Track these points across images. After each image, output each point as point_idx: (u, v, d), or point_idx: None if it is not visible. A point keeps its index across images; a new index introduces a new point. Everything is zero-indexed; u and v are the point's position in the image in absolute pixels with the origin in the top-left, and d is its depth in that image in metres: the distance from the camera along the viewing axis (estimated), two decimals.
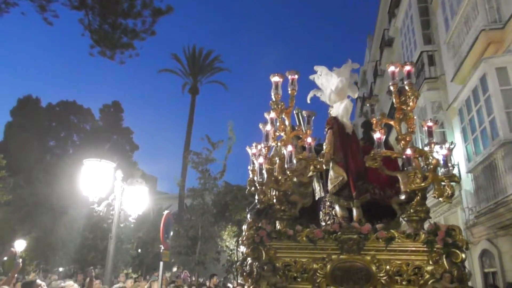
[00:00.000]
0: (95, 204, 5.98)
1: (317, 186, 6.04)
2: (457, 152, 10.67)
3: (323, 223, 5.46)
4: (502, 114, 7.66)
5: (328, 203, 5.69)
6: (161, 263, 7.11)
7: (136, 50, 12.58)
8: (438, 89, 11.80)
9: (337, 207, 5.42)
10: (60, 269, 11.69)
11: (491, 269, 9.48)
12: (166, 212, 7.61)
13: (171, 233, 7.92)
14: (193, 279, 14.09)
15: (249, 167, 5.42)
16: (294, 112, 6.10)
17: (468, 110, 9.14)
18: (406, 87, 5.12)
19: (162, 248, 7.06)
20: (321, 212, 5.77)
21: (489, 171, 8.15)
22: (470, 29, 8.94)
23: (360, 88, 25.68)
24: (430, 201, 11.02)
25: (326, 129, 5.73)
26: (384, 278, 4.57)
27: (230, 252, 19.47)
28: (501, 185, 7.62)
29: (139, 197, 6.73)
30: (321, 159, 5.26)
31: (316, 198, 5.95)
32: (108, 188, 6.28)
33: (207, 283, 11.24)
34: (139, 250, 18.50)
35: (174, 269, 18.23)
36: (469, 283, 9.99)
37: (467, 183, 9.91)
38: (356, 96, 6.44)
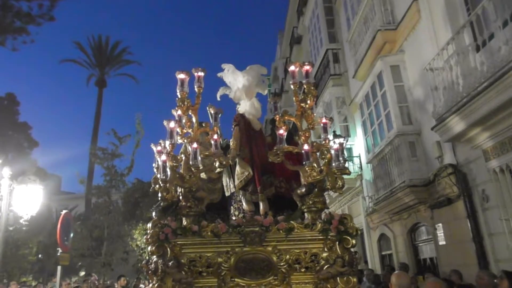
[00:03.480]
0: None
1: (228, 182, 6.16)
2: (359, 144, 11.55)
3: (234, 218, 5.57)
4: (396, 108, 8.41)
5: (239, 198, 5.83)
6: (59, 268, 6.67)
7: (31, 36, 11.50)
8: (342, 85, 12.64)
9: (244, 202, 5.58)
10: None
11: (388, 252, 10.43)
12: (64, 211, 7.15)
13: (71, 235, 7.46)
14: (101, 282, 13.45)
15: (153, 165, 5.36)
16: (207, 108, 6.14)
17: (367, 104, 9.88)
18: (304, 86, 5.45)
19: (60, 251, 6.63)
20: (232, 207, 5.89)
21: (385, 161, 8.94)
22: (368, 29, 9.65)
23: (272, 84, 26.40)
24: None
25: (233, 126, 5.86)
26: (284, 267, 4.82)
27: (141, 251, 18.91)
28: (395, 174, 8.41)
29: (31, 197, 6.14)
30: (228, 155, 5.40)
31: (227, 194, 6.06)
32: None
33: (115, 285, 10.83)
34: (40, 256, 17.11)
35: (82, 273, 17.21)
36: (369, 266, 10.90)
37: (367, 173, 10.77)
38: (265, 93, 6.66)
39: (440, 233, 7.30)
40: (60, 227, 6.78)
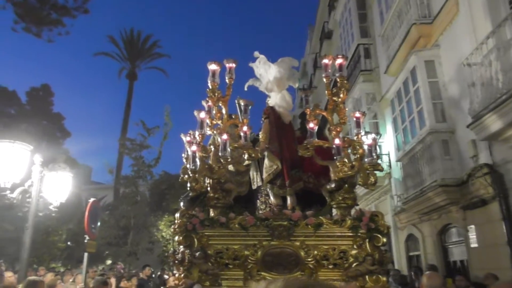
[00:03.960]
0: (7, 190, 5.48)
1: (255, 175, 6.13)
2: (388, 142, 11.30)
3: (260, 211, 5.54)
4: (429, 104, 8.10)
5: (266, 192, 5.79)
6: (86, 254, 6.76)
7: (66, 28, 11.74)
8: (372, 81, 12.34)
9: (271, 195, 5.54)
10: None
11: (415, 253, 10.16)
12: (92, 199, 7.25)
13: (99, 223, 7.56)
14: (127, 270, 13.69)
15: (183, 155, 5.38)
16: (236, 101, 6.11)
17: (399, 101, 9.59)
18: (338, 79, 5.34)
19: (87, 238, 6.73)
20: (258, 201, 5.86)
21: (416, 159, 8.65)
22: (402, 22, 9.34)
23: (301, 79, 26.22)
24: (363, 190, 11.60)
25: (263, 119, 5.81)
26: (312, 262, 4.77)
27: (166, 243, 19.16)
28: (426, 173, 8.12)
29: (61, 184, 6.21)
30: (257, 148, 5.36)
31: (254, 187, 6.03)
32: (24, 174, 5.76)
33: (140, 274, 11.00)
34: (69, 243, 17.58)
35: (108, 262, 17.56)
36: (395, 266, 10.68)
37: (396, 172, 10.51)
38: (296, 86, 6.57)
39: (472, 235, 7.04)
40: (88, 214, 6.87)
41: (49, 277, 7.82)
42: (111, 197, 21.18)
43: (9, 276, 6.76)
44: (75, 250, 15.79)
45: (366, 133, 5.27)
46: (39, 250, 15.35)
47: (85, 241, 6.78)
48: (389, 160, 11.24)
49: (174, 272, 13.17)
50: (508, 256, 5.94)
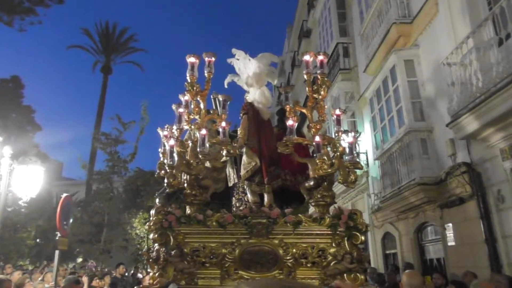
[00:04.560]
0: None
1: (231, 172, 6.02)
2: (366, 141, 11.36)
3: (235, 209, 5.44)
4: (408, 103, 8.14)
5: (241, 189, 5.69)
6: (57, 252, 6.48)
7: (39, 17, 11.29)
8: (351, 80, 12.41)
9: (248, 193, 5.43)
10: None
11: (392, 251, 10.25)
12: (64, 195, 6.97)
13: (71, 220, 7.29)
14: (99, 269, 13.32)
15: (159, 150, 5.21)
16: (212, 96, 5.98)
17: (378, 100, 9.62)
18: (318, 77, 5.27)
19: (59, 235, 6.46)
20: (233, 198, 5.76)
21: (395, 158, 8.70)
22: (382, 22, 9.38)
23: (278, 78, 26.20)
24: (339, 188, 11.64)
25: (241, 114, 5.69)
26: (291, 261, 4.69)
27: (141, 240, 18.79)
28: (404, 171, 8.17)
29: (32, 178, 5.94)
30: (235, 144, 5.23)
31: (230, 184, 5.92)
32: None
33: (113, 273, 10.71)
34: (38, 240, 17.00)
35: (80, 260, 17.07)
36: (372, 264, 10.75)
37: (374, 170, 10.56)
38: (275, 82, 6.49)
39: (450, 234, 7.11)
40: (60, 210, 6.59)
41: (16, 275, 7.48)
42: (83, 193, 20.63)
43: None
44: (44, 248, 15.27)
45: (345, 131, 5.23)
46: (6, 247, 14.81)
47: (57, 238, 6.50)
48: (367, 158, 11.31)
49: (149, 270, 12.95)
50: (485, 254, 6.02)
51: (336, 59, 12.94)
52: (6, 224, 13.42)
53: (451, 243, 7.12)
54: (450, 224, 7.11)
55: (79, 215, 14.83)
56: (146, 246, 18.37)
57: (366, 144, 11.40)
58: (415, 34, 8.44)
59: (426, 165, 7.61)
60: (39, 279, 8.39)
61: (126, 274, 12.25)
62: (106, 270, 13.41)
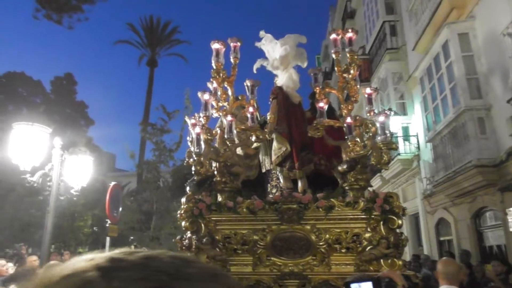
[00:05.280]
0: (28, 174, 5.47)
1: (264, 159, 5.95)
2: (417, 123, 10.82)
3: (271, 195, 5.37)
4: (463, 81, 7.59)
5: (276, 175, 5.61)
6: (108, 239, 6.78)
7: (85, 14, 11.76)
8: (399, 60, 11.83)
9: (281, 178, 5.34)
10: (7, 250, 11.15)
11: (447, 237, 9.74)
12: (113, 183, 7.22)
13: (120, 208, 7.56)
14: None
15: (188, 138, 5.23)
16: (244, 83, 5.91)
17: (429, 78, 9.07)
18: (348, 54, 5.04)
19: (109, 222, 6.72)
20: (269, 185, 5.69)
21: (449, 139, 8.19)
22: None
23: (322, 62, 25.59)
24: (389, 172, 11.18)
25: (271, 99, 5.59)
26: (324, 246, 4.57)
27: None
28: (460, 153, 7.68)
29: (82, 168, 6.16)
30: (265, 130, 5.15)
31: (264, 171, 5.86)
32: (44, 157, 5.72)
33: None
34: (95, 228, 17.93)
35: (133, 247, 17.80)
36: (425, 251, 10.29)
37: (426, 154, 10.04)
38: (305, 65, 6.29)
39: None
40: (109, 198, 6.85)
41: (66, 257, 7.93)
42: (135, 184, 21.40)
43: (33, 260, 6.86)
44: (100, 235, 16.10)
45: (379, 112, 4.97)
46: (66, 235, 15.70)
47: (107, 225, 6.79)
48: (418, 141, 10.76)
49: None
50: None
51: (383, 39, 12.37)
52: (64, 214, 14.26)
53: None
54: None
55: (128, 203, 15.40)
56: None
57: (417, 127, 10.85)
58: (470, 5, 7.77)
59: (484, 146, 7.08)
60: None
61: None
62: None
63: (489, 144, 7.16)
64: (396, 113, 10.51)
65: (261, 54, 5.93)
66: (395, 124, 9.77)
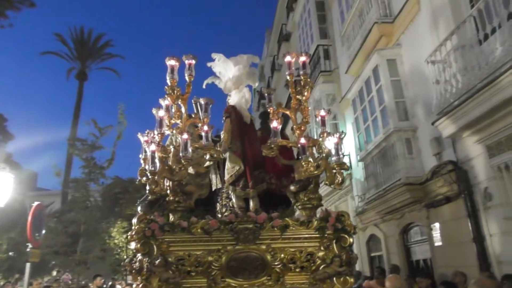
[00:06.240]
0: None
1: (214, 177, 5.88)
2: (349, 143, 11.35)
3: (220, 215, 5.28)
4: (392, 103, 8.13)
5: (225, 194, 5.55)
6: (28, 264, 6.14)
7: (9, 20, 10.84)
8: (332, 82, 12.44)
9: (233, 198, 5.28)
10: None
11: (377, 253, 10.20)
12: (35, 203, 6.61)
13: (43, 230, 6.91)
14: (75, 281, 12.79)
15: (140, 156, 5.01)
16: (192, 101, 5.83)
17: (361, 100, 9.59)
18: (301, 77, 5.19)
19: (30, 246, 6.11)
20: (218, 204, 5.60)
21: (379, 159, 8.67)
22: (363, 22, 9.41)
23: (258, 83, 26.07)
24: (323, 191, 11.49)
25: (224, 118, 5.56)
26: (279, 266, 4.55)
27: (119, 250, 18.22)
28: (389, 172, 8.14)
29: (0, 186, 5.58)
30: (218, 148, 5.10)
31: (213, 189, 5.76)
32: None
33: (90, 285, 10.31)
34: (10, 253, 16.27)
35: (55, 273, 16.44)
36: (357, 268, 10.71)
37: (357, 172, 10.52)
38: (256, 84, 6.39)
39: (436, 233, 7.09)
40: (31, 220, 6.23)
41: None
42: (59, 204, 19.91)
43: None
44: (16, 261, 14.61)
45: (328, 133, 5.16)
46: None
47: (28, 249, 6.15)
48: (350, 160, 11.29)
49: (129, 281, 12.56)
50: (473, 253, 5.99)
51: (317, 61, 12.95)
52: None
53: (438, 243, 7.09)
54: (437, 224, 7.09)
55: (53, 225, 14.24)
56: (125, 256, 17.89)
57: (349, 146, 11.39)
58: (397, 34, 8.47)
59: (411, 165, 7.61)
60: None
61: (104, 286, 11.86)
62: (83, 282, 12.91)
63: (415, 163, 7.68)
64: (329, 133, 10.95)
65: (208, 73, 5.91)
66: (329, 144, 10.16)
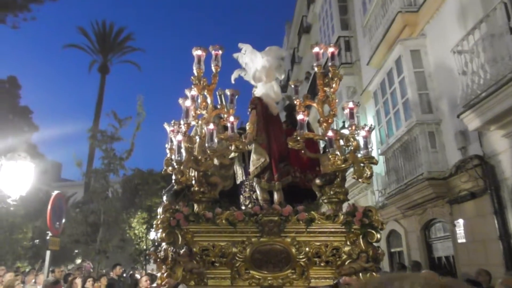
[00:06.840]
0: None
1: (238, 169, 5.87)
2: (370, 136, 11.13)
3: (243, 207, 5.27)
4: (415, 95, 7.85)
5: (249, 186, 5.53)
6: (48, 252, 6.20)
7: (33, 13, 10.96)
8: (353, 74, 12.14)
9: (258, 190, 5.26)
10: None
11: (397, 249, 10.03)
12: (55, 192, 6.67)
13: (63, 219, 6.97)
14: (95, 269, 13.01)
15: (166, 146, 5.01)
16: (217, 93, 5.79)
17: (382, 93, 9.32)
18: (330, 69, 5.10)
19: (50, 234, 6.18)
20: (241, 196, 5.58)
21: (401, 153, 8.43)
22: (386, 11, 9.10)
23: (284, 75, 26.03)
24: None
25: (250, 109, 5.52)
26: (303, 260, 4.54)
27: (139, 240, 18.49)
28: (411, 166, 7.91)
29: (21, 175, 5.60)
30: (244, 140, 5.06)
31: (237, 182, 5.76)
32: None
33: (110, 274, 10.43)
34: (36, 241, 16.67)
35: (78, 261, 16.77)
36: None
37: (378, 166, 10.34)
38: (282, 77, 6.31)
39: (460, 230, 6.92)
40: (51, 208, 6.24)
41: (7, 277, 7.24)
42: (82, 195, 20.26)
43: None
44: (41, 249, 14.93)
45: (357, 126, 5.06)
46: (2, 248, 14.45)
47: (47, 237, 6.21)
48: None
49: (149, 271, 12.69)
50: (499, 252, 5.83)
51: (338, 53, 12.76)
52: (1, 226, 13.12)
53: (461, 240, 6.93)
54: (461, 220, 6.91)
55: (73, 214, 14.48)
56: (144, 246, 18.10)
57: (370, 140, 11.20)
58: (422, 23, 8.15)
59: (434, 159, 7.39)
60: (32, 281, 8.13)
61: (124, 275, 11.99)
62: (103, 271, 13.11)
63: (439, 158, 7.45)
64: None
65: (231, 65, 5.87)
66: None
